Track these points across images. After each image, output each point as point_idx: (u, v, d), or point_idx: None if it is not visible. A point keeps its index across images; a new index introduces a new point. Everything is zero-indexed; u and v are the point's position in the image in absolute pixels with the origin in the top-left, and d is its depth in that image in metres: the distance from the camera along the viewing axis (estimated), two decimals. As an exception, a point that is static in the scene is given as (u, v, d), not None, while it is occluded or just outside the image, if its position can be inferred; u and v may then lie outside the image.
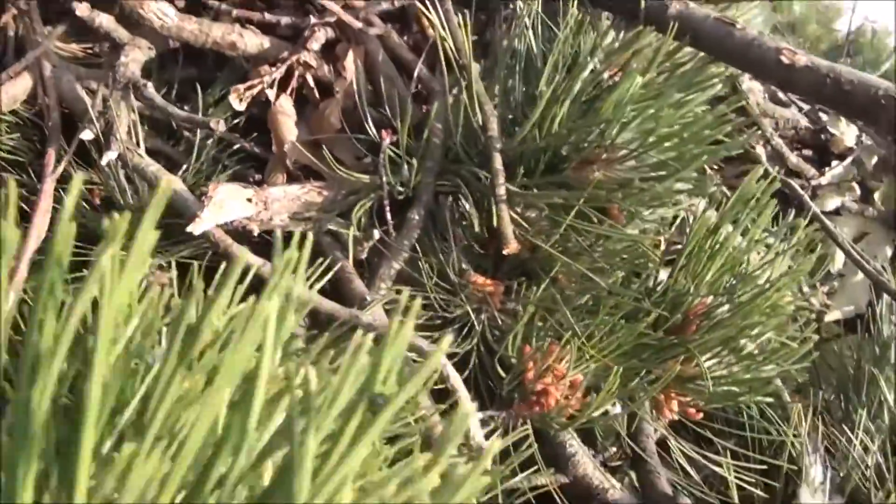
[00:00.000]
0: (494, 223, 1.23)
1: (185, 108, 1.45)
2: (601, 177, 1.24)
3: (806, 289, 1.61)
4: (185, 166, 1.37)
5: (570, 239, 1.25)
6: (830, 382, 1.57)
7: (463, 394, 1.07)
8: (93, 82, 1.39)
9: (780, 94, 1.80)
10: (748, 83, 1.73)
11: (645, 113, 1.22)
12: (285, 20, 1.42)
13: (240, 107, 1.37)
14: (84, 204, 1.37)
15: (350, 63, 1.43)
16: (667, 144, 1.23)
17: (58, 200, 1.32)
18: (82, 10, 1.26)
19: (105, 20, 1.29)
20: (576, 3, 1.32)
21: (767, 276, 1.28)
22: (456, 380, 1.08)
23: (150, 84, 1.27)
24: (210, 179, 1.37)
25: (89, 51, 1.49)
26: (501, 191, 1.23)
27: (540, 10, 1.34)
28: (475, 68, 1.29)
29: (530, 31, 1.33)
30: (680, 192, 1.26)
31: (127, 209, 1.35)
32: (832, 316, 1.70)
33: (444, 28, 1.31)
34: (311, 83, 1.43)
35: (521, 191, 1.25)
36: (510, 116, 1.35)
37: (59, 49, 1.43)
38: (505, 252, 1.21)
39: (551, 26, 1.35)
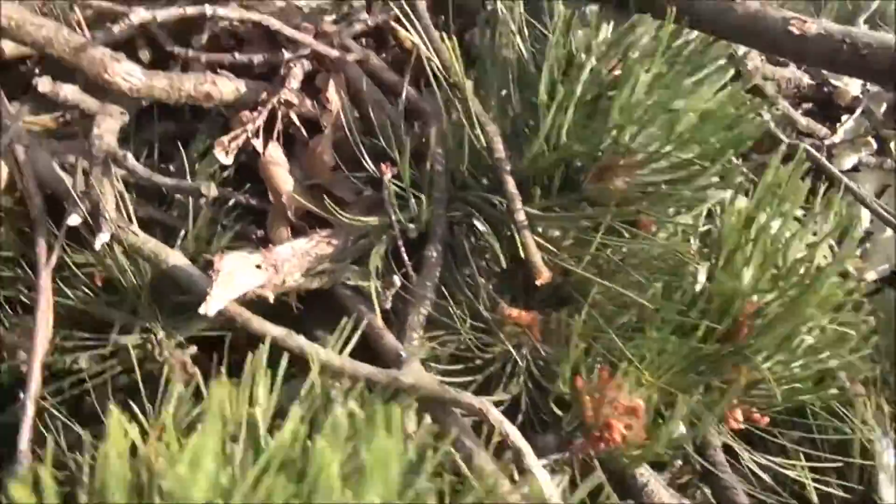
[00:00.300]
0: (519, 251, 1.13)
1: (170, 167, 1.35)
2: (623, 186, 1.13)
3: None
4: (182, 232, 1.26)
5: (602, 255, 1.15)
6: (886, 351, 1.47)
7: (526, 451, 0.97)
8: (70, 156, 1.27)
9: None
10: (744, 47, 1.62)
11: (657, 109, 1.11)
12: (258, 59, 1.30)
13: (227, 160, 1.25)
14: (85, 289, 1.25)
15: (333, 94, 1.31)
16: (686, 136, 1.12)
17: (57, 292, 1.21)
18: (44, 84, 1.14)
19: (70, 92, 1.18)
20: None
21: (813, 261, 1.19)
22: (516, 437, 0.98)
23: (129, 155, 1.15)
24: (211, 244, 1.26)
25: (61, 119, 1.37)
26: (521, 216, 1.12)
27: (523, 11, 1.22)
28: (469, 84, 1.17)
29: (518, 38, 1.21)
30: (707, 187, 1.15)
31: (131, 290, 1.24)
32: (868, 276, 1.60)
33: (427, 47, 1.19)
34: (297, 121, 1.31)
35: (542, 213, 1.14)
36: (510, 129, 1.23)
37: (28, 124, 1.31)
38: (538, 283, 1.11)
39: (538, 27, 1.24)
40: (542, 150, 1.14)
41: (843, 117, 1.68)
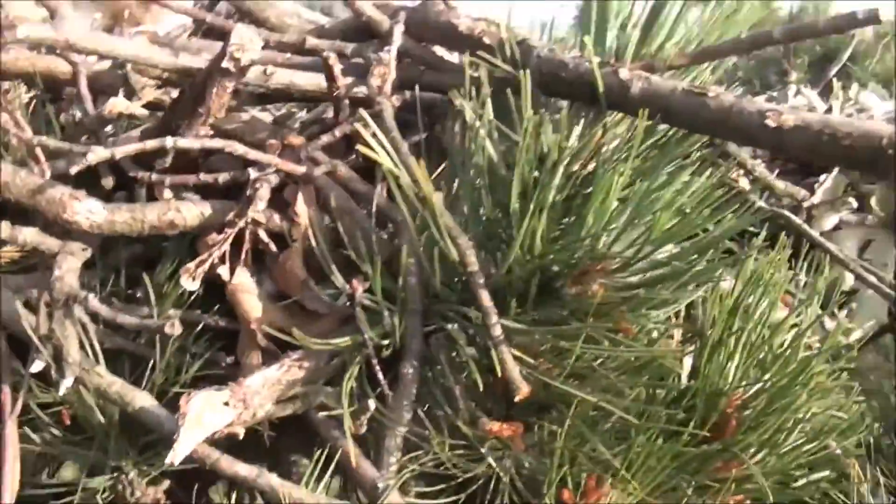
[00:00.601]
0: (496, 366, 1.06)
1: (138, 292, 1.28)
2: (601, 290, 1.06)
3: (827, 321, 1.45)
4: (150, 362, 1.19)
5: (581, 361, 1.08)
6: (874, 413, 1.40)
7: None
8: (34, 290, 1.21)
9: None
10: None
11: (633, 214, 1.05)
12: (223, 177, 1.23)
13: (194, 286, 1.18)
14: (52, 430, 1.18)
15: (301, 207, 1.25)
16: (665, 237, 1.06)
17: (24, 438, 1.15)
18: (3, 230, 1.08)
19: (29, 235, 1.11)
20: (528, 99, 1.14)
21: (800, 347, 1.12)
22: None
23: (91, 297, 1.08)
24: (181, 373, 1.19)
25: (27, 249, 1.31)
26: (497, 331, 1.05)
27: (492, 116, 1.16)
28: (438, 199, 1.10)
29: (488, 142, 1.15)
30: (687, 284, 1.09)
31: (99, 429, 1.17)
32: (855, 336, 1.53)
33: (395, 162, 1.13)
34: (265, 237, 1.24)
35: (519, 325, 1.07)
36: (484, 233, 1.17)
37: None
38: (517, 399, 1.04)
39: (507, 132, 1.17)
40: (518, 259, 1.07)
41: (822, 177, 1.62)
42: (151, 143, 1.10)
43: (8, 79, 1.32)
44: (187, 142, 1.12)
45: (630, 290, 1.06)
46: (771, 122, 1.04)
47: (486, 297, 1.06)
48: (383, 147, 1.14)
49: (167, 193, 1.25)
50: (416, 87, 1.30)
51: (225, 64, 1.11)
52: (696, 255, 1.05)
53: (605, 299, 1.06)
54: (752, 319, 1.12)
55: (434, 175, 1.28)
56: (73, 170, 1.06)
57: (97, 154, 1.06)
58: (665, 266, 1.05)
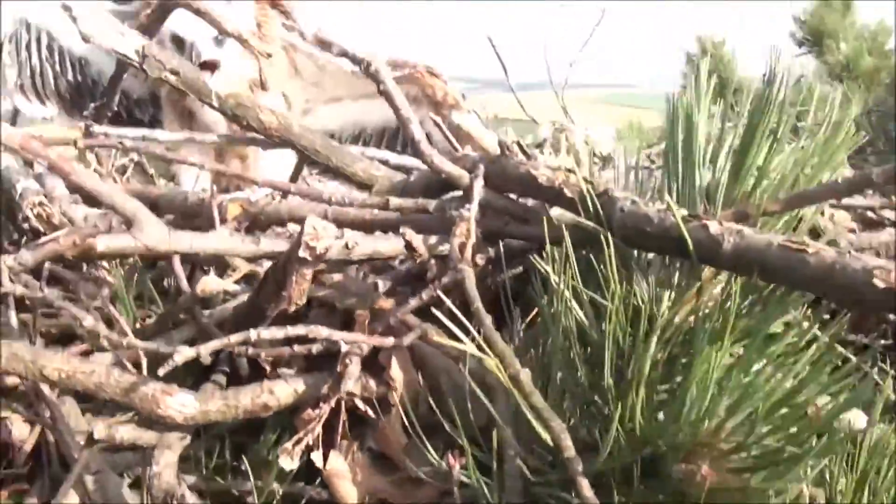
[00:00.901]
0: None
1: (242, 464, 1.25)
2: (712, 474, 0.95)
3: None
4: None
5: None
6: None
7: None
8: (139, 467, 1.20)
9: (871, 214, 1.48)
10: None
11: (736, 393, 0.94)
12: (315, 348, 1.19)
13: (293, 465, 1.14)
14: None
15: (396, 371, 1.19)
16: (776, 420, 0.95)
17: None
18: (99, 431, 1.07)
19: (125, 432, 1.10)
20: (614, 264, 1.04)
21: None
22: None
23: (188, 493, 1.06)
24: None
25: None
26: (601, 526, 0.96)
27: (577, 275, 1.07)
28: (526, 378, 1.01)
29: (575, 304, 1.06)
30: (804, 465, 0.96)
31: None
32: None
33: (478, 341, 1.05)
34: (362, 405, 1.20)
35: (625, 514, 0.97)
36: (582, 402, 1.08)
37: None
38: None
39: (593, 296, 1.09)
40: (618, 443, 0.98)
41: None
42: (235, 338, 1.06)
43: (106, 259, 1.33)
44: (270, 332, 1.08)
45: (744, 474, 0.94)
46: (880, 282, 0.91)
47: (586, 487, 0.96)
48: (465, 328, 1.07)
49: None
50: (500, 242, 1.24)
51: (301, 253, 1.07)
52: (815, 434, 0.93)
53: (716, 484, 0.95)
54: (882, 492, 0.98)
55: (525, 320, 1.22)
56: (161, 372, 1.03)
57: (183, 354, 1.03)
58: (780, 449, 0.93)
